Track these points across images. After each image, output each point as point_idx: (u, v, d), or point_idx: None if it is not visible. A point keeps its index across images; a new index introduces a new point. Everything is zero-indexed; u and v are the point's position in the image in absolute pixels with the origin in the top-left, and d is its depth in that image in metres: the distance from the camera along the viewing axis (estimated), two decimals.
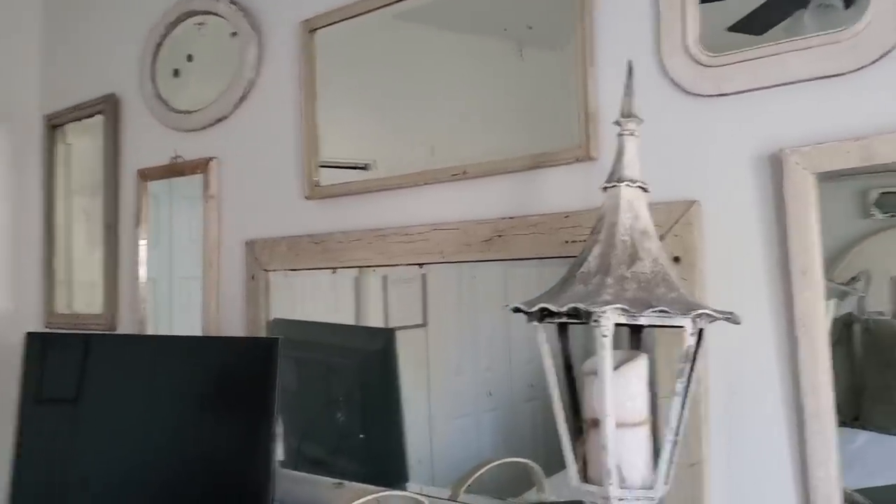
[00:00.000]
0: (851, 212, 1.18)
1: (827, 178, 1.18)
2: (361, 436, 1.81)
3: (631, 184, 1.12)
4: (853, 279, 1.19)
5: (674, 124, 1.35)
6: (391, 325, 1.79)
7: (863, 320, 1.19)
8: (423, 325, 1.71)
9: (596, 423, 1.07)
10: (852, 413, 1.17)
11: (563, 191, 1.46)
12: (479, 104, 1.62)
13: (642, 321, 1.03)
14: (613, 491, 1.04)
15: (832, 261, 1.19)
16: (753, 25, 1.27)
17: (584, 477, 1.11)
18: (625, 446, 1.06)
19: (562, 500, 1.42)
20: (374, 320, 1.85)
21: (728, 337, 1.21)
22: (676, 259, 1.28)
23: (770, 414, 1.24)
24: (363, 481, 1.74)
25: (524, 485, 1.49)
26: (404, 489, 1.68)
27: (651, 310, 1.01)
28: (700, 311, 1.03)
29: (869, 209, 1.17)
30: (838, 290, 1.20)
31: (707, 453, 1.28)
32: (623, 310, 1.01)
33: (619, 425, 1.04)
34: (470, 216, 1.59)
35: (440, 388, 1.70)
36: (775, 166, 1.23)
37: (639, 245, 1.09)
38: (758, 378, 1.26)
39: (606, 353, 1.02)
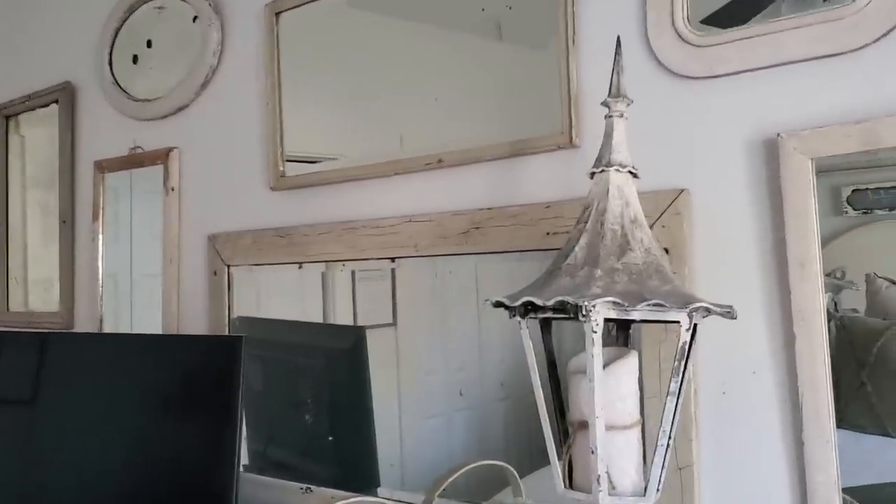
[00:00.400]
0: (825, 209, 1.15)
1: None
2: (330, 438, 1.77)
3: (621, 168, 1.06)
4: (828, 276, 1.16)
5: (661, 108, 1.29)
6: (360, 322, 1.75)
7: (837, 317, 1.16)
8: (393, 324, 1.67)
9: (584, 426, 1.01)
10: None
11: (544, 180, 1.41)
12: (455, 89, 1.56)
13: (634, 315, 0.97)
14: (603, 498, 0.98)
15: None
16: (728, 18, 1.23)
17: (570, 483, 1.05)
18: (615, 450, 1.00)
19: None
20: (343, 317, 1.80)
21: (719, 332, 1.16)
22: (665, 251, 1.22)
23: (764, 414, 1.19)
24: (332, 486, 1.70)
25: (496, 486, 1.44)
26: (375, 494, 1.64)
27: (644, 303, 0.94)
28: (697, 305, 0.96)
29: (842, 206, 1.15)
30: (832, 284, 1.16)
31: (697, 456, 1.23)
32: (614, 303, 0.94)
33: (609, 428, 0.99)
34: (445, 207, 1.53)
35: (411, 388, 1.66)
36: (770, 152, 1.17)
37: (629, 234, 1.03)
38: (751, 376, 1.20)
39: (596, 351, 0.96)
